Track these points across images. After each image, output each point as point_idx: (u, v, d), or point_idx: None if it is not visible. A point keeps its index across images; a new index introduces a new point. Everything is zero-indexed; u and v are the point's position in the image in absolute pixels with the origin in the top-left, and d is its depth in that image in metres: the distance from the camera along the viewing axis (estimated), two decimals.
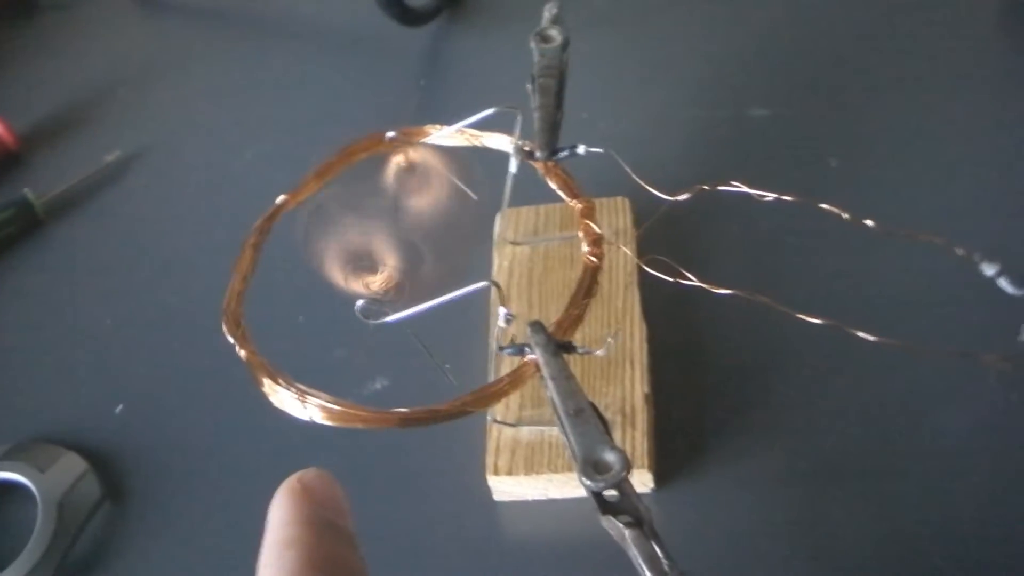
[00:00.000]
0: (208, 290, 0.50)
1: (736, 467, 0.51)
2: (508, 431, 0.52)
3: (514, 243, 0.61)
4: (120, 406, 0.60)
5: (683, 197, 0.50)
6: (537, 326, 0.46)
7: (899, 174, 0.63)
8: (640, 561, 0.38)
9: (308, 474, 0.38)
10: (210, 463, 0.58)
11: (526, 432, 0.52)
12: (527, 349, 0.46)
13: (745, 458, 0.52)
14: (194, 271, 0.68)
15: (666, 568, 0.38)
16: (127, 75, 0.87)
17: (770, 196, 0.51)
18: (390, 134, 0.55)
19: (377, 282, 0.50)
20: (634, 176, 0.52)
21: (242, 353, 0.47)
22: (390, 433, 0.45)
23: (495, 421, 0.52)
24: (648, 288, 0.56)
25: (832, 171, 0.64)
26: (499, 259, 0.61)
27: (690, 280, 0.49)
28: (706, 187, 0.50)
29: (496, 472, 0.50)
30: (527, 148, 0.52)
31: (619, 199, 0.62)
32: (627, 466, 0.40)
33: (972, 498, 0.48)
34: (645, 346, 0.54)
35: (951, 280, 0.53)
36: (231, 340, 0.48)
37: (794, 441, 0.52)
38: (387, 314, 0.47)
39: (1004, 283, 0.47)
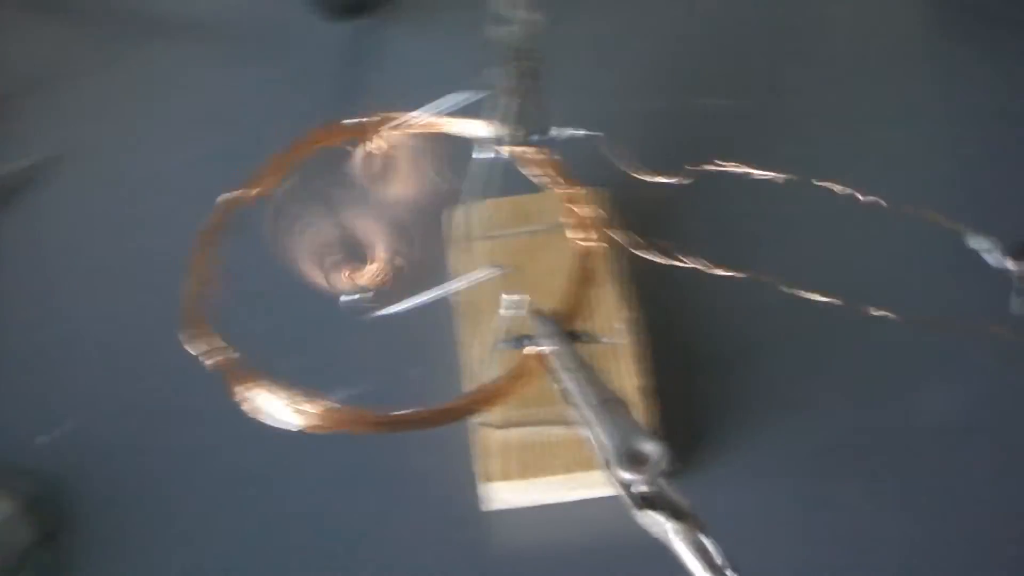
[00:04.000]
0: (150, 301, 0.45)
1: (739, 454, 0.50)
2: (496, 434, 0.48)
3: (488, 238, 0.57)
4: (45, 436, 0.53)
5: (686, 181, 0.49)
6: (543, 316, 0.43)
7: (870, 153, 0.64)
8: (690, 555, 0.36)
9: None
10: (165, 490, 0.51)
11: (516, 434, 0.48)
12: (526, 341, 0.43)
13: (748, 445, 0.50)
14: (133, 281, 0.61)
15: (717, 560, 0.36)
16: (32, 81, 0.79)
17: (767, 174, 0.51)
18: (350, 121, 0.51)
19: (365, 276, 0.46)
20: (618, 162, 0.50)
21: (209, 360, 0.42)
22: (362, 443, 0.42)
23: (481, 424, 0.49)
24: (637, 276, 0.54)
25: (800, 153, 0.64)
26: (458, 257, 0.57)
27: (684, 263, 0.48)
28: (708, 167, 0.49)
29: (490, 479, 0.47)
30: (512, 133, 0.49)
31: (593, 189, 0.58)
32: (668, 456, 0.38)
33: (975, 473, 0.48)
34: (636, 337, 0.52)
35: (939, 254, 0.53)
36: (194, 348, 0.43)
37: (796, 424, 0.51)
38: (376, 309, 0.43)
39: (989, 258, 0.48)
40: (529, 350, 0.43)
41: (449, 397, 0.42)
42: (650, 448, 0.38)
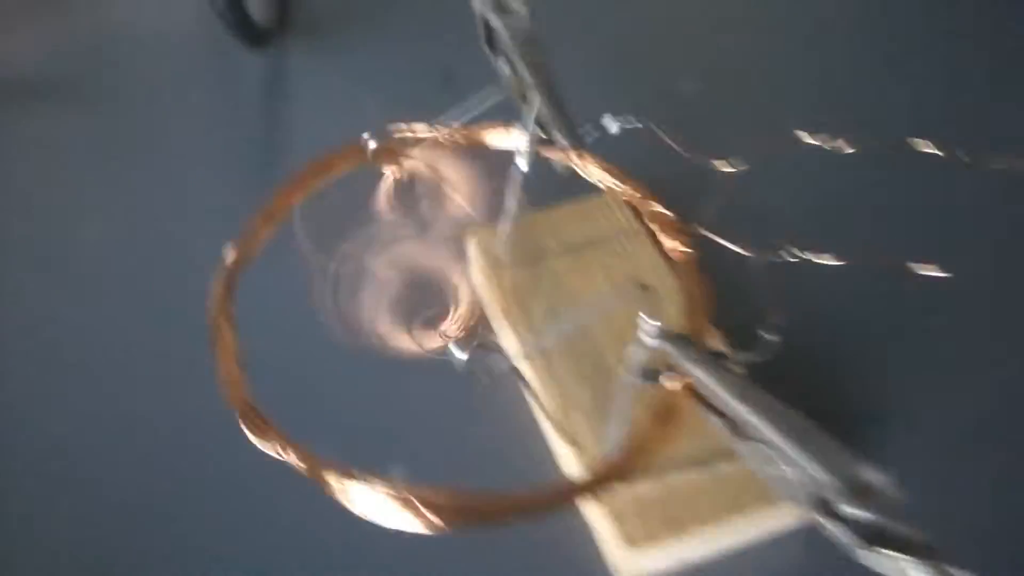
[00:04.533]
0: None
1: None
2: (625, 490, 0.40)
3: (522, 264, 0.49)
4: None
5: (743, 167, 0.42)
6: (683, 339, 0.36)
7: None
8: None
9: None
10: None
11: (646, 486, 0.40)
12: (663, 373, 0.36)
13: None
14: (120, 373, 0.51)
15: None
16: None
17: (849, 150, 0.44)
18: (372, 144, 0.43)
19: (452, 325, 0.38)
20: (680, 150, 0.43)
21: (288, 455, 0.34)
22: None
23: None
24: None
25: None
26: (490, 282, 0.49)
27: (796, 257, 0.41)
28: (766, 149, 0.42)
29: (634, 543, 0.39)
30: (566, 135, 0.42)
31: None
32: (896, 483, 0.31)
33: None
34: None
35: None
36: (260, 442, 0.34)
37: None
38: (502, 359, 0.35)
39: None
40: (671, 383, 0.35)
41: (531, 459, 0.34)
42: (875, 476, 0.31)
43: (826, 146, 0.43)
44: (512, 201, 0.45)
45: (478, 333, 0.38)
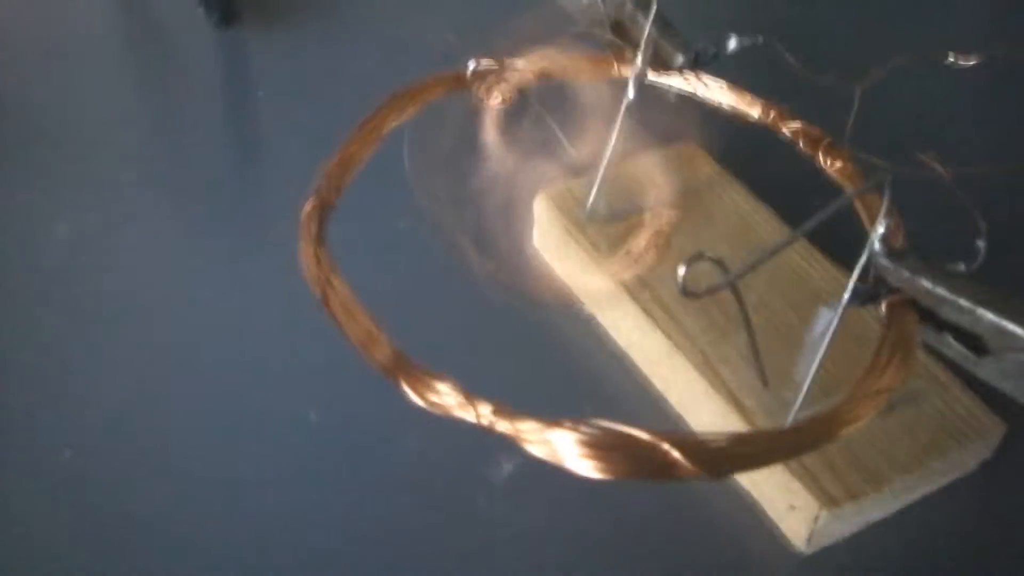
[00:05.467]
0: None
1: None
2: None
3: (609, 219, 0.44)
4: None
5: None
6: (902, 254, 0.31)
7: None
8: None
9: None
10: None
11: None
12: (883, 290, 0.31)
13: None
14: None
15: None
16: None
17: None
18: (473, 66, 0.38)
19: (641, 243, 0.33)
20: (797, 70, 0.39)
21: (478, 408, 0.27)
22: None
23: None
24: None
25: None
26: (582, 239, 0.44)
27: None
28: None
29: (834, 503, 0.34)
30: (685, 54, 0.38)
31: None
32: None
33: None
34: None
35: None
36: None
37: None
38: (726, 275, 0.29)
39: None
40: (895, 300, 0.31)
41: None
42: None
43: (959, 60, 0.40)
44: (618, 139, 0.40)
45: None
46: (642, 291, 0.40)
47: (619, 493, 0.37)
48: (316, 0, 0.67)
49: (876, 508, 0.35)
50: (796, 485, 0.34)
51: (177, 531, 0.36)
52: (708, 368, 0.38)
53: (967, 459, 0.36)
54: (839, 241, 0.36)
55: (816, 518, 0.34)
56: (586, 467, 0.25)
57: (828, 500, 0.33)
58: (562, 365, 0.42)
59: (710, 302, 0.39)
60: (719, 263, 0.30)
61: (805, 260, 0.42)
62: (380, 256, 0.46)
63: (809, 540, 0.34)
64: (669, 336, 0.39)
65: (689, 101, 0.41)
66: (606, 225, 0.43)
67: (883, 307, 0.31)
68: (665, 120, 0.43)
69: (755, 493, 0.37)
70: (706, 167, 0.47)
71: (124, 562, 0.35)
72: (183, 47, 0.64)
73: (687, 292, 0.29)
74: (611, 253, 0.41)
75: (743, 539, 0.36)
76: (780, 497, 0.35)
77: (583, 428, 0.25)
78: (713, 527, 0.37)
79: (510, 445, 0.38)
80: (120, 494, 0.37)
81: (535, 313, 0.42)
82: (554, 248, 0.45)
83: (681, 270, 0.29)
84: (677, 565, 0.35)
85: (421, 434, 0.39)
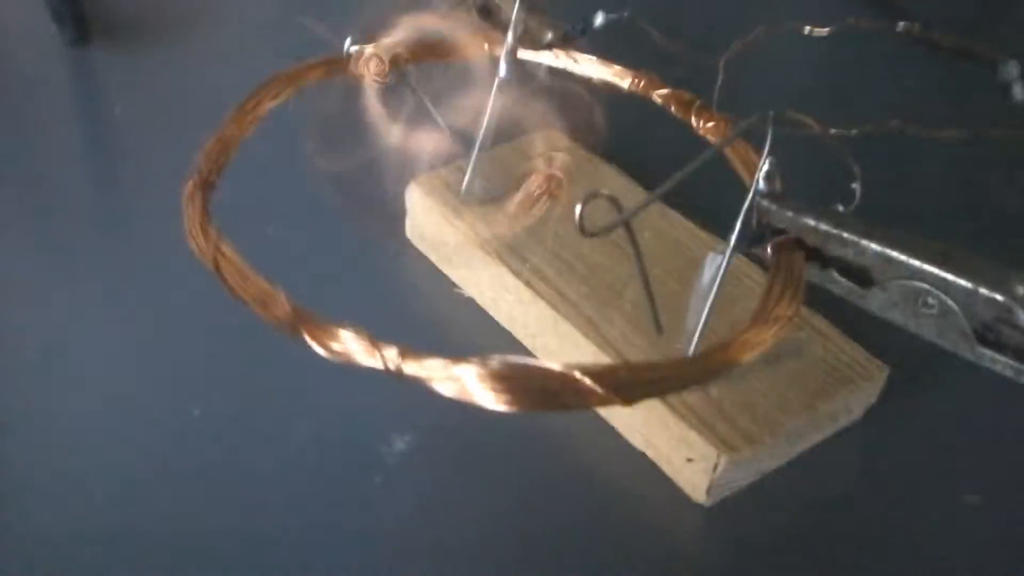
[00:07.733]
0: None
1: None
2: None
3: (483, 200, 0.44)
4: None
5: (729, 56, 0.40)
6: (778, 195, 0.32)
7: None
8: None
9: None
10: None
11: (718, 389, 0.36)
12: (769, 235, 0.32)
13: None
14: None
15: None
16: None
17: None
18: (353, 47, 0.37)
19: (536, 184, 0.33)
20: (663, 44, 0.40)
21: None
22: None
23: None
24: None
25: None
26: (460, 223, 0.43)
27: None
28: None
29: (734, 449, 0.34)
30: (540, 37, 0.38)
31: None
32: None
33: None
34: None
35: None
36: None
37: None
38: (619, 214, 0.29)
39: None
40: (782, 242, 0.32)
41: None
42: None
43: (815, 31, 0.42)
44: (491, 118, 0.40)
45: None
46: (522, 265, 0.40)
47: (514, 461, 0.37)
48: (168, 17, 0.67)
49: (771, 455, 0.36)
50: (692, 436, 0.34)
51: (73, 534, 0.34)
52: (594, 331, 0.38)
53: (853, 404, 0.37)
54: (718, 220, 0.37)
55: (715, 466, 0.34)
56: (496, 400, 0.25)
57: (726, 447, 0.34)
58: (444, 348, 0.41)
59: (589, 272, 0.40)
60: (614, 201, 0.30)
61: (686, 237, 0.43)
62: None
63: (709, 491, 0.35)
64: (553, 306, 0.39)
65: (559, 93, 0.42)
66: (483, 207, 0.43)
67: (769, 249, 0.32)
68: (536, 109, 0.43)
69: (650, 453, 0.37)
70: (575, 152, 0.47)
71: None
72: (35, 65, 0.62)
73: (585, 231, 0.29)
74: (495, 224, 0.40)
75: (642, 498, 0.36)
76: (676, 452, 0.35)
77: (491, 363, 0.25)
78: (611, 489, 0.37)
79: (401, 421, 0.37)
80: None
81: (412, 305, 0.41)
82: (430, 236, 0.45)
83: (578, 208, 0.29)
84: (576, 531, 0.35)
85: (314, 421, 0.38)
